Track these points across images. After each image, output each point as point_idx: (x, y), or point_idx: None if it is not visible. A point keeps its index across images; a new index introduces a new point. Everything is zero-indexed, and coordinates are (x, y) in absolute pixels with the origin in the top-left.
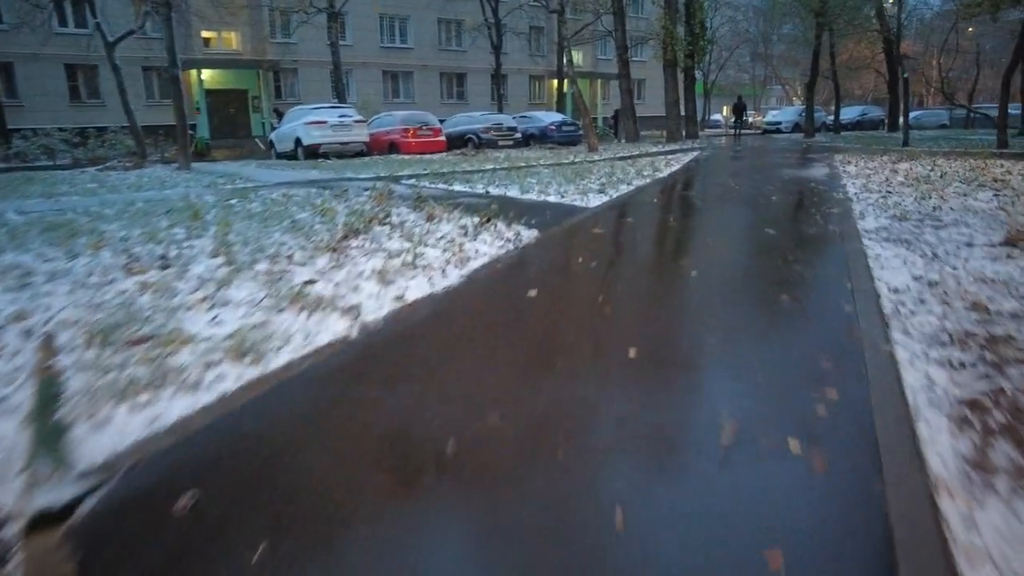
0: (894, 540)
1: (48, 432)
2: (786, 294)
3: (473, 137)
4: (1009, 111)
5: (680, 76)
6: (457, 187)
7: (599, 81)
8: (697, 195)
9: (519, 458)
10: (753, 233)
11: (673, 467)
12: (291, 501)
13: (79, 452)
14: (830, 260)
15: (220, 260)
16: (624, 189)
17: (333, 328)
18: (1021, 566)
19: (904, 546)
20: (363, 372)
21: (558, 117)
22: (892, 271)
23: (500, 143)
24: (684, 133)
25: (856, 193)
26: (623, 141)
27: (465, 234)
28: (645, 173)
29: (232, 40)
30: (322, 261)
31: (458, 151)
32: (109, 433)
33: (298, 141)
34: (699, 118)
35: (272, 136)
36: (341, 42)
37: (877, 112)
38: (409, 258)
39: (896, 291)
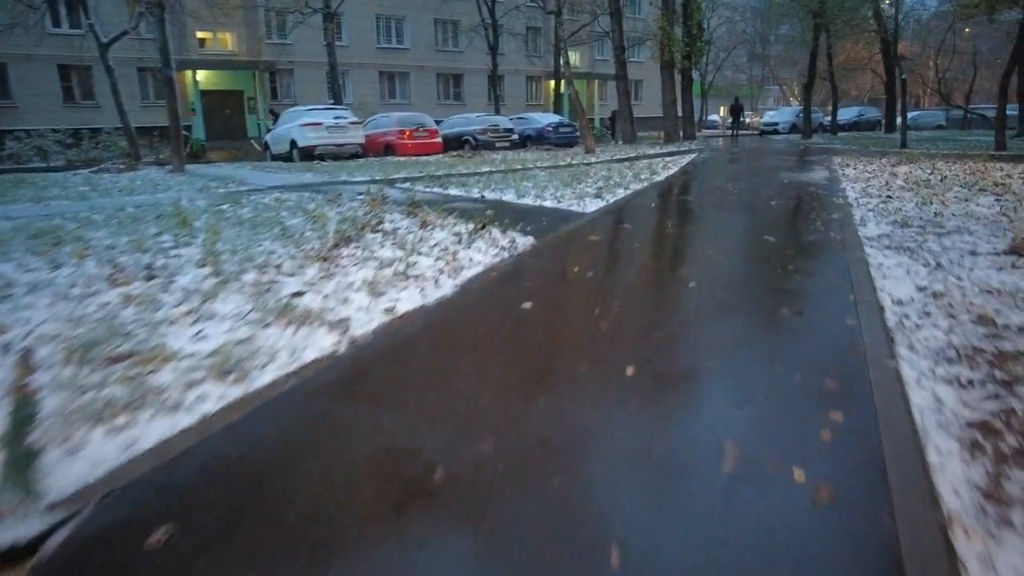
0: None
1: (18, 458)
2: (787, 306)
3: (470, 139)
4: (1007, 112)
5: (677, 77)
6: (452, 191)
7: (596, 82)
8: (695, 200)
9: (510, 487)
10: (752, 240)
11: (672, 498)
12: (270, 534)
13: (50, 481)
14: (831, 269)
15: (207, 270)
16: (621, 193)
17: (320, 343)
18: None
19: None
20: (349, 391)
21: (555, 118)
22: (895, 281)
23: (497, 145)
24: (681, 134)
25: (856, 198)
26: (620, 142)
27: (459, 241)
28: (642, 176)
29: (228, 41)
30: (312, 271)
31: (455, 153)
32: (83, 459)
33: (293, 143)
34: (696, 119)
35: (267, 138)
36: (337, 43)
37: (874, 113)
38: (401, 267)
39: (900, 303)
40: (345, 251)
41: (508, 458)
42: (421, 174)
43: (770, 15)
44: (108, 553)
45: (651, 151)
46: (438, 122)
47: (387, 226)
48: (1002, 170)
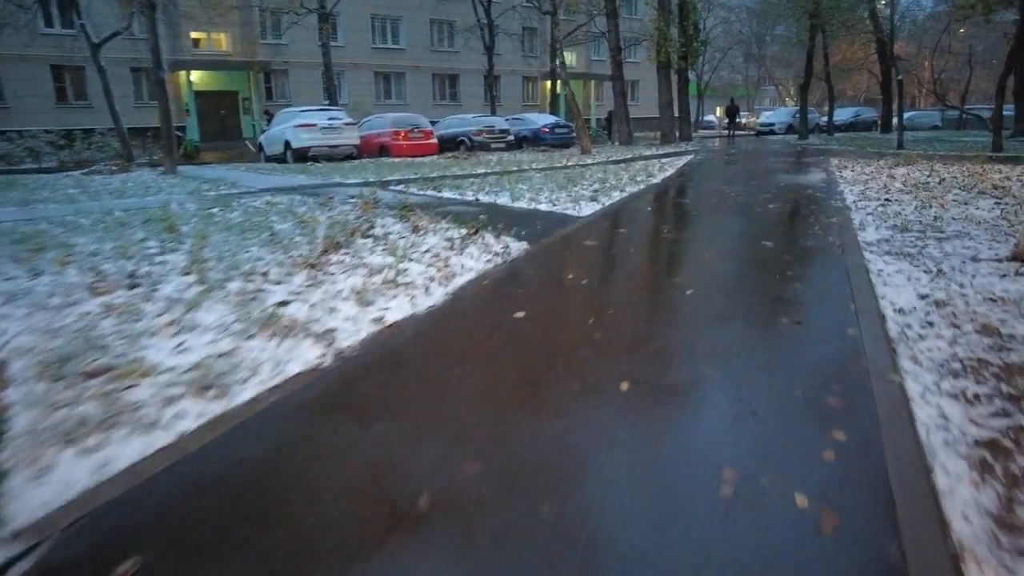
0: None
1: None
2: (787, 316)
3: (465, 139)
4: (1003, 112)
5: (674, 77)
6: (446, 194)
7: (592, 82)
8: (691, 203)
9: (498, 516)
10: (750, 245)
11: (668, 525)
12: (246, 565)
13: (15, 506)
14: (831, 276)
15: (192, 278)
16: (617, 196)
17: (305, 356)
18: None
19: None
20: (333, 407)
21: (551, 119)
22: (896, 289)
23: (492, 146)
24: (678, 135)
25: (854, 201)
26: (617, 143)
27: (451, 247)
28: (639, 179)
29: (222, 41)
30: (299, 279)
31: (450, 154)
32: (52, 483)
33: (287, 144)
34: (693, 119)
35: (261, 139)
36: (332, 43)
37: (870, 113)
38: (391, 275)
39: (902, 311)
40: (334, 257)
41: (495, 484)
42: (415, 176)
43: (766, 15)
44: None
45: (647, 152)
46: (433, 123)
47: (378, 231)
48: (1000, 172)
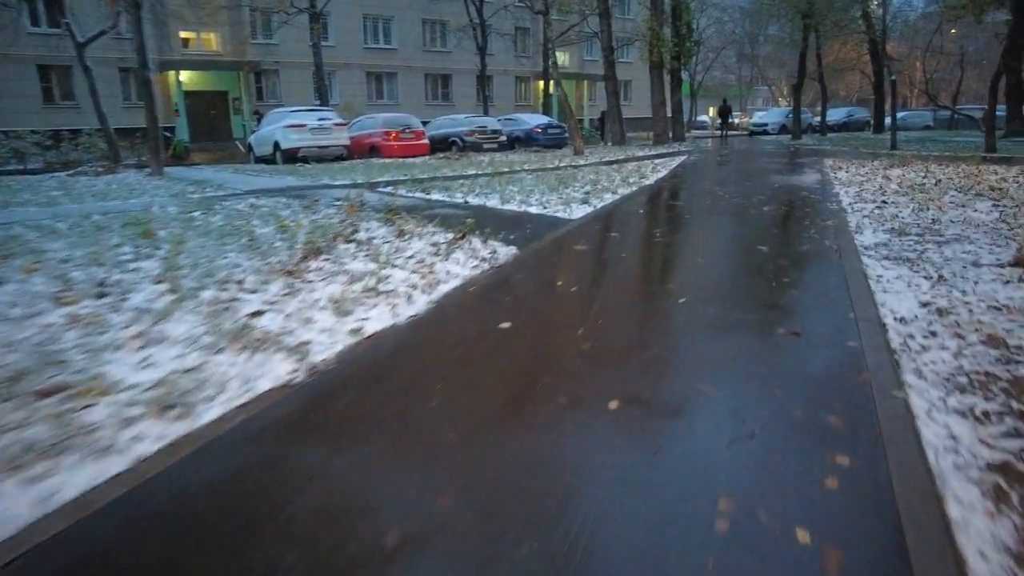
0: None
1: None
2: (784, 327)
3: (457, 140)
4: (996, 112)
5: (667, 77)
6: (435, 196)
7: (585, 82)
8: (684, 205)
9: (474, 553)
10: (744, 250)
11: (659, 565)
12: None
13: None
14: (828, 282)
15: (164, 287)
16: (609, 198)
17: (276, 371)
18: None
19: None
20: (301, 429)
21: (543, 119)
22: (896, 296)
23: (484, 146)
24: (671, 135)
25: (850, 203)
26: (609, 144)
27: (437, 252)
28: (631, 180)
29: (212, 41)
30: (275, 287)
31: (441, 155)
32: None
33: (277, 145)
34: (686, 119)
35: (251, 139)
36: (323, 43)
37: (863, 113)
38: (372, 282)
39: (903, 320)
40: (314, 264)
41: (471, 517)
42: (405, 177)
43: (759, 15)
44: None
45: (640, 153)
46: (425, 123)
47: (362, 235)
48: (996, 174)
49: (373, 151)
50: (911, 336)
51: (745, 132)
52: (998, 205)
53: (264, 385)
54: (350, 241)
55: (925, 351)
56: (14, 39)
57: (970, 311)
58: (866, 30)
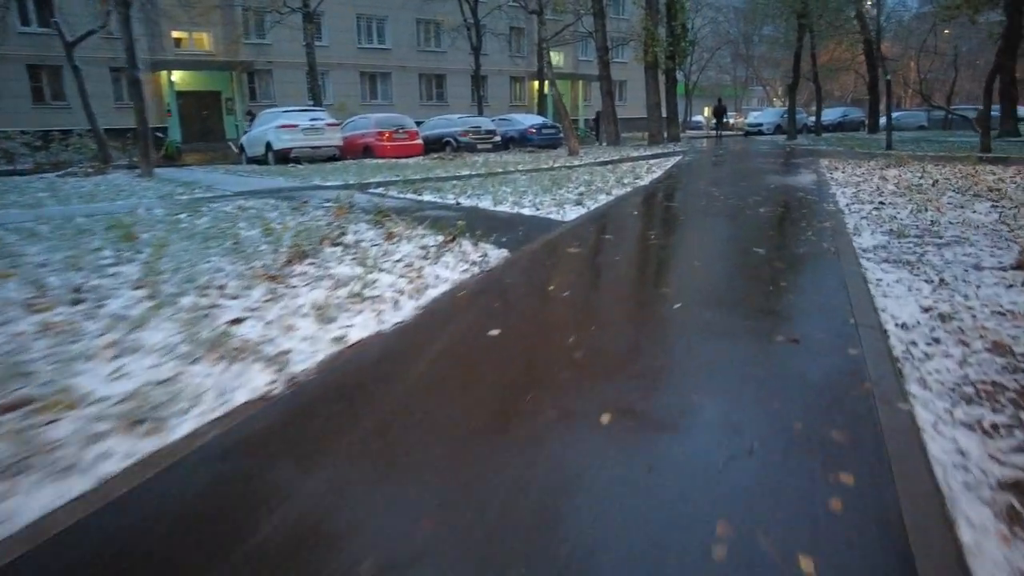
0: None
1: None
2: (782, 334)
3: (451, 140)
4: (991, 112)
5: (661, 78)
6: (427, 197)
7: (580, 83)
8: (679, 207)
9: None
10: (740, 253)
11: None
12: None
13: None
14: (827, 286)
15: (142, 292)
16: (603, 200)
17: (253, 383)
18: None
19: None
20: (277, 444)
21: (538, 120)
22: (897, 301)
23: (479, 146)
24: (666, 135)
25: (847, 204)
26: (604, 144)
27: (426, 256)
28: (626, 181)
29: (204, 41)
30: (258, 292)
31: (435, 155)
32: None
33: (268, 145)
34: (680, 120)
35: (243, 140)
36: (317, 43)
37: (858, 113)
38: (358, 287)
39: (905, 327)
40: (298, 268)
41: (454, 543)
42: (397, 178)
43: (754, 16)
44: None
45: (635, 153)
46: (419, 123)
47: (349, 238)
48: (994, 174)
49: (366, 151)
50: (913, 343)
51: (740, 132)
52: (997, 206)
53: (240, 397)
54: (337, 244)
55: (928, 359)
56: (3, 38)
57: (973, 316)
58: (860, 30)
